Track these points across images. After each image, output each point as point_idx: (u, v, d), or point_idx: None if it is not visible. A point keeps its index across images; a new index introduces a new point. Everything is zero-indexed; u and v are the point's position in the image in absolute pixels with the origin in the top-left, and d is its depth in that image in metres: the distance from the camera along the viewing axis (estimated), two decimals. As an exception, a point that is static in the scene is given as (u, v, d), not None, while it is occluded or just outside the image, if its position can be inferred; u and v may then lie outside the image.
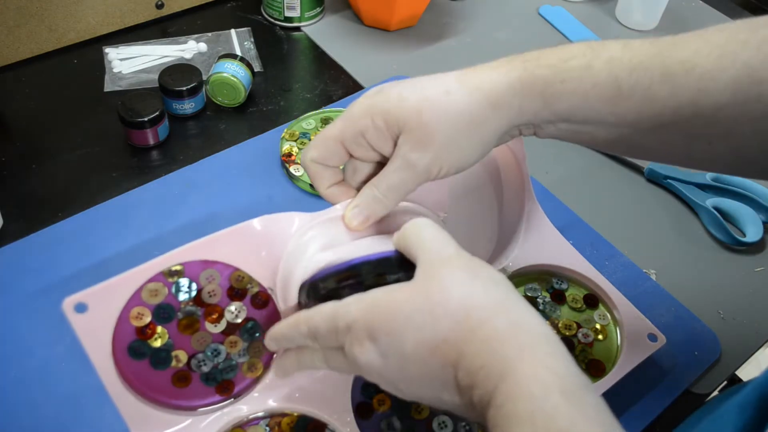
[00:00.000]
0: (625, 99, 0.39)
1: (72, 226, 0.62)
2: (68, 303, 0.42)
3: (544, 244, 0.61)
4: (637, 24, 0.97)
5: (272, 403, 0.48)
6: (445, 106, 0.39)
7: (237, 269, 0.47)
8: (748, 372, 0.63)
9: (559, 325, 0.57)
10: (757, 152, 0.41)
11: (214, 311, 0.47)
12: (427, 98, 0.39)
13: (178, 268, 0.45)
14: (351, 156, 0.42)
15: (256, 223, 0.45)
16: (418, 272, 0.37)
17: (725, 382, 0.61)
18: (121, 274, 0.44)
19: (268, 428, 0.48)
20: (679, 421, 0.57)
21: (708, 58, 0.38)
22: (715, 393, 0.60)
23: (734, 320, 0.63)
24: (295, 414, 0.49)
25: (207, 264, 0.46)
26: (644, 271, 0.65)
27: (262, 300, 0.47)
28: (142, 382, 0.46)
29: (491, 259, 0.61)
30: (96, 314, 0.43)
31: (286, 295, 0.45)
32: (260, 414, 0.48)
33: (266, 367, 0.50)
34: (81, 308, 0.43)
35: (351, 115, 0.41)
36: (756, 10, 1.05)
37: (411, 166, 0.40)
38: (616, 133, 0.41)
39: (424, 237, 0.38)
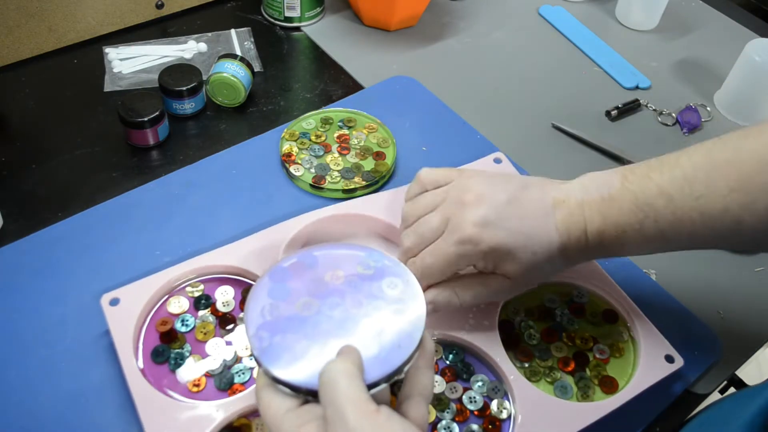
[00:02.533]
0: (670, 242, 0.49)
1: (72, 225, 0.62)
2: (105, 298, 0.53)
3: None
4: (636, 24, 0.97)
5: None
6: (543, 268, 0.50)
7: (249, 284, 0.56)
8: (748, 372, 0.63)
9: (576, 338, 0.57)
10: None
11: (228, 320, 0.54)
12: (536, 265, 0.49)
13: (198, 284, 0.55)
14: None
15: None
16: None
17: (725, 382, 0.61)
18: (153, 275, 0.55)
19: None
20: (679, 420, 0.57)
21: (744, 195, 0.45)
22: (716, 394, 0.60)
23: (734, 320, 0.63)
24: None
25: (222, 281, 0.56)
26: (644, 271, 0.65)
27: None
28: (159, 382, 0.50)
29: None
30: (126, 307, 0.52)
31: None
32: None
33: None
34: (114, 302, 0.53)
35: (471, 243, 0.48)
36: (756, 10, 1.05)
37: (495, 294, 0.52)
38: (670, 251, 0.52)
39: (335, 398, 0.36)
